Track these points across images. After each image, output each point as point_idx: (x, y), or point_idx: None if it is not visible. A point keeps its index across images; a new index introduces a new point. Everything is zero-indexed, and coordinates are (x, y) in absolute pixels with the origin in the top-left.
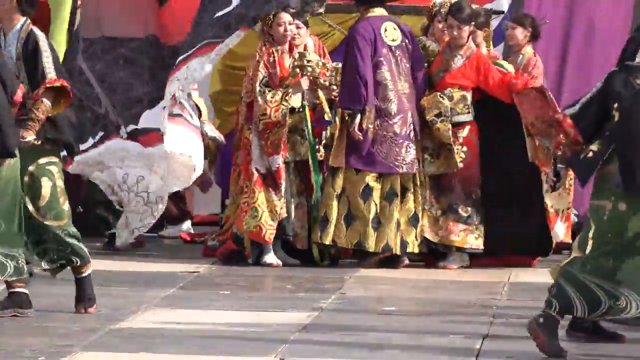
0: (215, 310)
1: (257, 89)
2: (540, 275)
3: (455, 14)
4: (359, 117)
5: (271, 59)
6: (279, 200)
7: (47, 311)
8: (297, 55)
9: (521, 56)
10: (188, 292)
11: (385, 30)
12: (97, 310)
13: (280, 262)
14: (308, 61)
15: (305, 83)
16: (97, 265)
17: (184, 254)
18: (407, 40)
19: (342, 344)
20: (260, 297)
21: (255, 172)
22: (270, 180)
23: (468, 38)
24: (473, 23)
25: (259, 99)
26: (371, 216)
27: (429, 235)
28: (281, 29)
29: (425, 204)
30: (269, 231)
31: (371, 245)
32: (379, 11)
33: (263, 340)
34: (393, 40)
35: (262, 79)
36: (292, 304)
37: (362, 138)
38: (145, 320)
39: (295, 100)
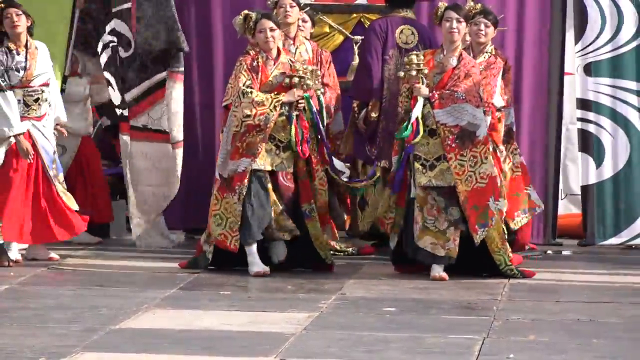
0: (215, 311)
1: (241, 89)
2: (540, 276)
3: (454, 8)
4: (364, 110)
5: (255, 63)
6: (237, 203)
7: (47, 311)
8: (291, 65)
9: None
10: (188, 292)
11: (401, 32)
12: (98, 310)
13: (267, 269)
14: (300, 72)
15: (296, 94)
16: (97, 265)
17: (184, 254)
18: (421, 47)
19: (342, 345)
20: (260, 297)
21: (218, 178)
22: (229, 184)
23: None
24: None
25: (243, 99)
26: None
27: (432, 249)
28: (262, 35)
29: (426, 221)
30: (235, 238)
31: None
32: (403, 12)
33: (263, 341)
34: (406, 43)
35: (245, 81)
36: (292, 304)
37: (364, 128)
38: (146, 321)
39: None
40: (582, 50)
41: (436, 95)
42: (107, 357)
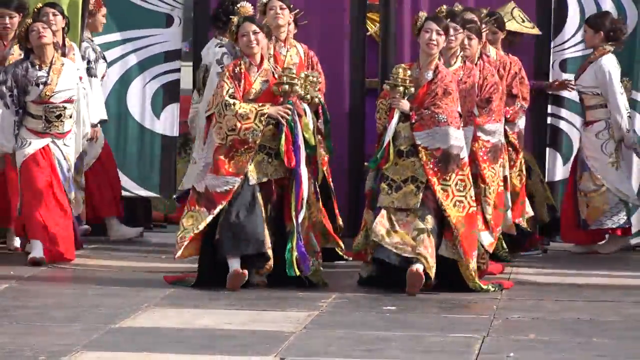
0: (216, 310)
1: (224, 100)
2: (540, 275)
3: (435, 19)
4: None
5: (237, 70)
6: (206, 220)
7: (47, 310)
8: (281, 72)
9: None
10: (188, 291)
11: None
12: (98, 309)
13: (246, 272)
14: (292, 79)
15: (282, 111)
16: (98, 265)
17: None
18: None
19: (343, 343)
20: (261, 296)
21: (191, 191)
22: (206, 200)
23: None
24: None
25: (226, 111)
26: None
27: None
28: (245, 39)
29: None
30: (182, 245)
31: None
32: None
33: (263, 340)
34: None
35: (228, 90)
36: (292, 303)
37: None
38: (146, 320)
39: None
40: (559, 45)
41: (415, 116)
42: (107, 356)
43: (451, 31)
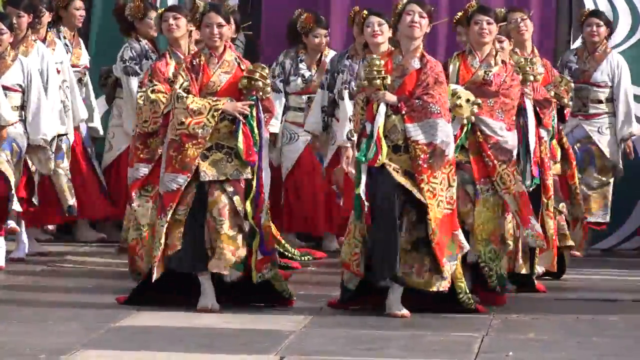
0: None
1: (176, 92)
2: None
3: (417, 1)
4: None
5: (195, 61)
6: (163, 226)
7: (47, 309)
8: (251, 67)
9: None
10: None
11: None
12: (98, 308)
13: (217, 306)
14: (261, 76)
15: (239, 107)
16: (97, 264)
17: None
18: None
19: (342, 342)
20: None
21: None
22: (161, 203)
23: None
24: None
25: (177, 104)
26: None
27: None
28: (208, 31)
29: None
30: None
31: None
32: None
33: (263, 338)
34: None
35: (182, 83)
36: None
37: None
38: (146, 319)
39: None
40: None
41: (405, 107)
42: (107, 354)
43: (484, 24)
